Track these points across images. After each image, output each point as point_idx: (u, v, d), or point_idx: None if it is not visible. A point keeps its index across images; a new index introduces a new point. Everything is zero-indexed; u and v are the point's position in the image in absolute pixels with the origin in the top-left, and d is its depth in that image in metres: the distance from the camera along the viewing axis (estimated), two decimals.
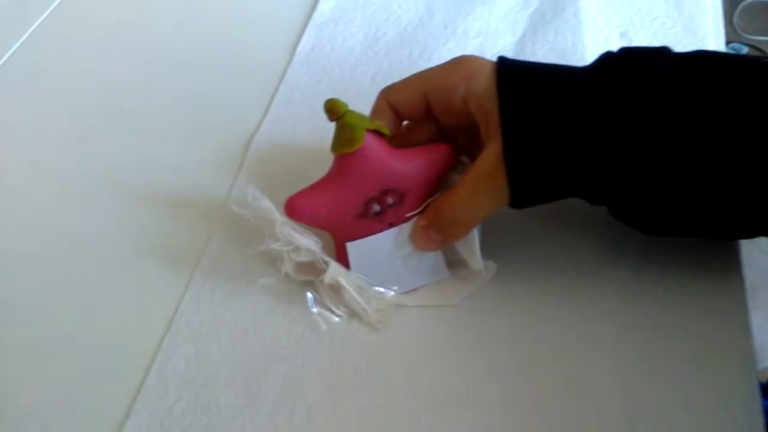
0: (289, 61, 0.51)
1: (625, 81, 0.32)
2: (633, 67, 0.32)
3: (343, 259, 0.37)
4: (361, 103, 0.37)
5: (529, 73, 0.34)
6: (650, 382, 0.34)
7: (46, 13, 0.58)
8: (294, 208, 0.36)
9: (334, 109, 0.35)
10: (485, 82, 0.34)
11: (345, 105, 0.35)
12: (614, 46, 0.34)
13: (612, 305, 0.36)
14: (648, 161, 0.32)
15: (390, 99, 0.37)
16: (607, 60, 0.34)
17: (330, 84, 0.49)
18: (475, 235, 0.37)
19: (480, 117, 0.34)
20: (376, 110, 0.37)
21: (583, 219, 0.40)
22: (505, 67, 0.34)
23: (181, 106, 0.50)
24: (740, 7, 1.56)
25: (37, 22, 0.58)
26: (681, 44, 0.49)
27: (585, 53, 0.48)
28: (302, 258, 0.37)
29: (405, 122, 0.39)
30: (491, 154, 0.33)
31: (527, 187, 0.34)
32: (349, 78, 0.49)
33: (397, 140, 0.38)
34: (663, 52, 0.33)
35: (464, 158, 0.38)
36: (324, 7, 0.55)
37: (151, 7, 0.59)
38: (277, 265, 0.38)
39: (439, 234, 0.36)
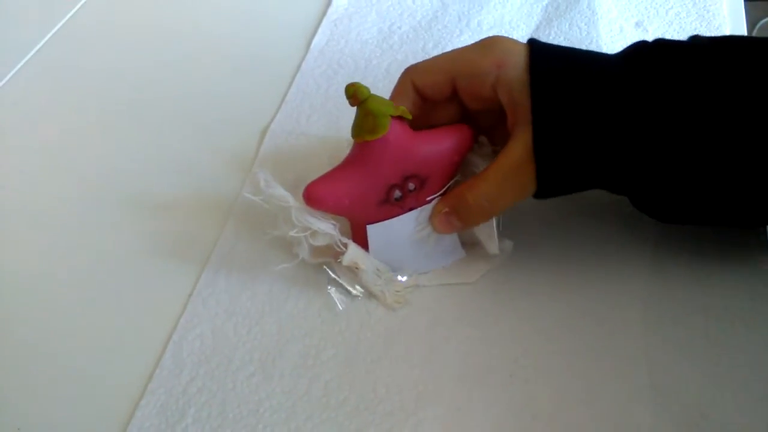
0: (304, 56, 0.52)
1: (658, 74, 0.32)
2: (666, 61, 0.32)
3: (360, 242, 0.37)
4: (377, 93, 0.36)
5: (562, 63, 0.33)
6: (678, 362, 0.33)
7: (69, 15, 0.59)
8: (315, 197, 0.35)
9: (356, 94, 0.34)
10: (517, 71, 0.33)
11: (367, 89, 0.34)
12: (629, 37, 0.34)
13: (634, 285, 0.36)
14: (686, 151, 0.31)
15: (415, 80, 0.36)
16: (641, 51, 0.33)
17: (345, 75, 0.49)
18: (493, 219, 0.36)
19: (509, 106, 0.34)
20: (400, 90, 0.37)
21: (602, 197, 0.39)
22: (539, 54, 0.33)
23: (196, 101, 0.50)
24: (758, 26, 1.55)
25: (59, 25, 0.59)
26: (696, 33, 0.49)
27: (600, 43, 0.48)
28: (319, 242, 0.36)
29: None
30: (520, 145, 0.33)
31: (555, 180, 0.33)
32: (364, 69, 0.50)
33: (419, 120, 0.38)
34: (695, 44, 0.33)
35: (483, 138, 0.38)
36: (339, 3, 0.56)
37: (167, 6, 0.59)
38: (293, 249, 0.37)
39: (459, 220, 0.36)
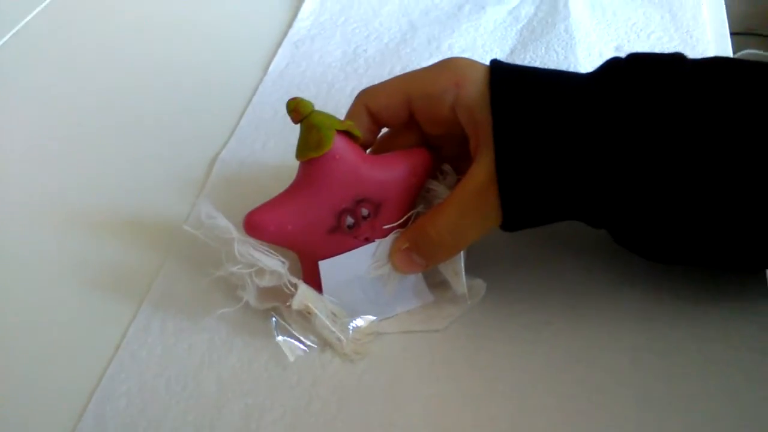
0: (261, 79, 0.48)
1: (635, 89, 0.28)
2: (644, 75, 0.28)
3: (312, 281, 0.32)
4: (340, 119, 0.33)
5: (526, 79, 0.30)
6: (670, 411, 0.29)
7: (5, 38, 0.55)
8: (255, 225, 0.31)
9: (298, 109, 0.31)
10: (477, 88, 0.30)
11: (311, 104, 0.31)
12: None
13: (619, 326, 0.32)
14: (663, 180, 0.27)
15: (368, 103, 0.33)
16: (614, 66, 0.30)
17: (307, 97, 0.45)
18: (460, 255, 0.32)
19: (470, 128, 0.30)
20: (352, 115, 0.33)
21: (581, 228, 0.35)
22: (500, 71, 0.30)
23: (143, 126, 0.46)
24: (741, 54, 1.56)
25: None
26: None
27: (578, 67, 0.45)
28: (266, 282, 0.32)
29: (384, 130, 0.35)
30: (481, 170, 0.29)
31: (522, 208, 0.29)
32: (326, 94, 0.46)
33: (375, 148, 0.35)
34: (676, 58, 0.29)
35: (446, 167, 0.34)
36: (301, 25, 0.52)
37: (120, 23, 0.55)
38: (237, 292, 0.32)
39: (421, 257, 0.32)
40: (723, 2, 0.51)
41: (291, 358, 0.32)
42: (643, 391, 0.30)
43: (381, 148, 0.34)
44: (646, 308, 0.33)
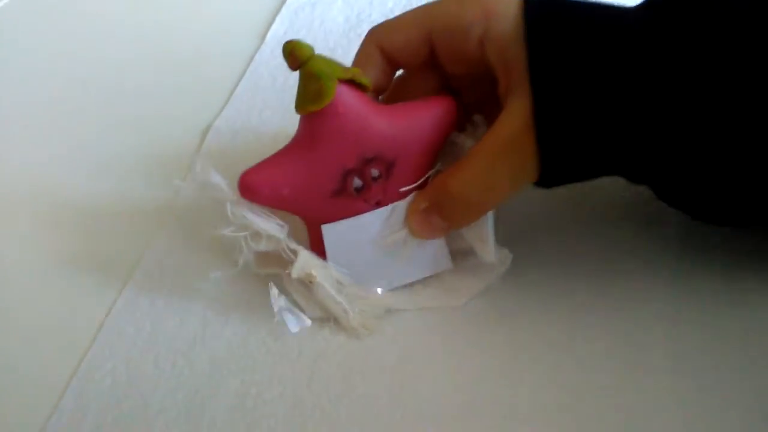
0: (258, 47, 0.45)
1: (690, 18, 0.25)
2: (700, 5, 0.25)
3: (317, 248, 0.30)
4: None
5: (565, 9, 0.26)
6: (706, 380, 0.26)
7: None
8: (248, 186, 0.28)
9: (294, 53, 0.27)
10: (508, 22, 0.26)
11: (310, 48, 0.27)
12: None
13: (655, 304, 0.29)
14: (721, 124, 0.24)
15: (382, 42, 0.29)
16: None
17: None
18: (488, 217, 0.29)
19: (500, 67, 0.27)
20: (362, 57, 0.30)
21: (616, 198, 0.32)
22: (534, 3, 0.27)
23: (136, 95, 0.43)
24: None
25: None
26: None
27: None
28: (263, 246, 0.29)
29: (398, 72, 0.31)
30: (515, 115, 0.26)
31: (562, 159, 0.26)
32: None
33: (389, 95, 0.31)
34: None
35: (478, 117, 0.30)
36: None
37: None
38: (234, 256, 0.29)
39: (443, 219, 0.28)
40: None
41: (293, 330, 0.29)
42: (674, 362, 0.27)
43: (395, 93, 0.31)
44: (678, 281, 0.29)
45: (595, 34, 0.25)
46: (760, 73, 0.23)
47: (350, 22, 0.46)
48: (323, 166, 0.28)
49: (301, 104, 0.27)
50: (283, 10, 0.48)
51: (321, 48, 0.44)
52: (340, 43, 0.44)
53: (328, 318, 0.29)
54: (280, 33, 0.46)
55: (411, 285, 0.31)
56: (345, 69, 0.28)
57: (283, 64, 0.28)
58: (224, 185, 0.28)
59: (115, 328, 0.30)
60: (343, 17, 0.46)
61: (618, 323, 0.28)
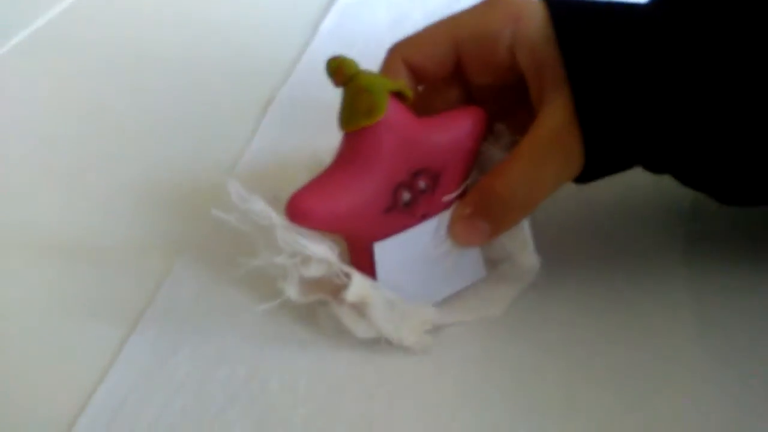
0: (309, 41, 0.49)
1: (711, 7, 0.26)
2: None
3: (362, 268, 0.29)
4: None
5: (587, 9, 0.27)
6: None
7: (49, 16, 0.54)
8: (302, 211, 0.26)
9: (341, 69, 0.27)
10: (537, 24, 0.27)
11: (355, 63, 0.27)
12: None
13: (693, 308, 0.29)
14: (750, 102, 0.25)
15: (408, 56, 0.29)
16: None
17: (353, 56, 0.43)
18: (526, 222, 0.29)
19: (532, 69, 0.27)
20: (387, 72, 0.30)
21: (644, 198, 0.33)
22: (558, 4, 0.27)
23: (185, 90, 0.46)
24: None
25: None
26: None
27: None
28: (313, 272, 0.27)
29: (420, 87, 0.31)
30: (556, 113, 0.26)
31: (605, 150, 0.26)
32: (375, 52, 0.42)
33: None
34: None
35: (500, 126, 0.30)
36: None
37: None
38: (278, 285, 0.28)
39: (488, 223, 0.28)
40: None
41: (361, 336, 0.28)
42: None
43: (419, 107, 0.30)
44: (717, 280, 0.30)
45: (621, 29, 0.26)
46: None
47: (394, 21, 0.50)
48: (377, 182, 0.27)
49: (350, 121, 0.27)
50: (333, 9, 0.52)
51: (368, 40, 0.48)
52: (384, 41, 0.43)
53: (379, 338, 0.28)
54: (330, 27, 0.50)
55: (448, 299, 0.30)
56: (393, 81, 0.27)
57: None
58: (270, 212, 0.27)
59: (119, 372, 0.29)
60: (388, 16, 0.51)
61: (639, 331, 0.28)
